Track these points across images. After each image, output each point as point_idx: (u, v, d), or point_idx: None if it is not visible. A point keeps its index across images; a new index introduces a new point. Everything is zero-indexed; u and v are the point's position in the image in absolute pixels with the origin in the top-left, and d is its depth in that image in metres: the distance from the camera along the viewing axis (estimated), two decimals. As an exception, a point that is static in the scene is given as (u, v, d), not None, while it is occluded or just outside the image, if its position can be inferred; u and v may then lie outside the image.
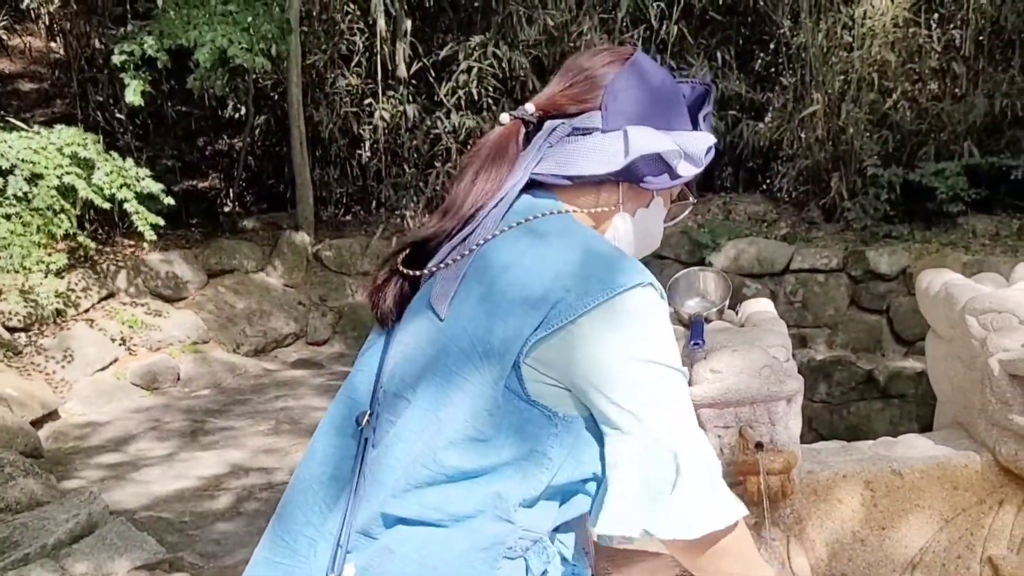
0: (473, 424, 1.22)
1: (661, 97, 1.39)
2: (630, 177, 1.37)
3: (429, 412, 1.24)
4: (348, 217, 10.49)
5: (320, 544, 1.28)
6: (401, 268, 1.35)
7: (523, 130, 1.39)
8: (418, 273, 1.33)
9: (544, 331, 1.21)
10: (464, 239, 1.31)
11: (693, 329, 2.39)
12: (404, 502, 1.23)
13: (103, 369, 7.10)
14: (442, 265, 1.30)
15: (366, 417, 1.30)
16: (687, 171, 1.40)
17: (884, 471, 2.61)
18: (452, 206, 1.34)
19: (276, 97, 10.56)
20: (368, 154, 10.16)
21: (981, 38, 8.49)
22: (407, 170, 10.04)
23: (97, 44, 10.07)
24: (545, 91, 1.43)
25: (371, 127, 10.00)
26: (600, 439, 1.27)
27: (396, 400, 1.29)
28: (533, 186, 1.37)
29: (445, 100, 9.63)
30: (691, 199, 1.54)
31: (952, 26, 8.73)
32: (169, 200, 7.10)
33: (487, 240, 1.29)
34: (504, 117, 1.40)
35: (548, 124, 1.38)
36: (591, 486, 1.30)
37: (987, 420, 2.62)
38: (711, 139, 1.43)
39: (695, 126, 1.44)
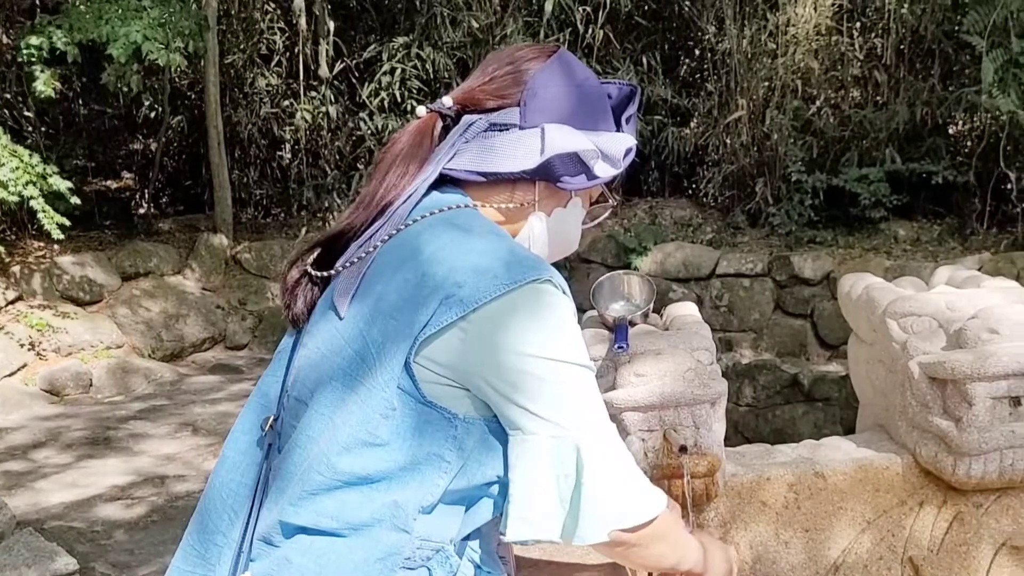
0: (367, 428, 1.18)
1: (583, 96, 1.36)
2: (546, 176, 1.33)
3: (325, 417, 1.21)
4: (268, 220, 10.38)
5: (227, 552, 1.28)
6: (309, 269, 1.32)
7: (439, 124, 1.35)
8: (328, 273, 1.30)
9: (433, 327, 1.16)
10: (371, 236, 1.28)
11: (617, 332, 2.36)
12: (301, 510, 1.20)
13: (11, 375, 6.93)
14: (347, 264, 1.28)
15: (270, 422, 1.30)
16: (605, 172, 1.37)
17: (807, 473, 2.61)
18: (362, 202, 1.32)
19: (193, 96, 10.39)
20: (289, 156, 10.04)
21: (902, 47, 8.69)
22: (329, 172, 9.94)
23: (4, 39, 9.72)
24: (464, 85, 1.39)
25: (292, 128, 9.89)
26: (505, 440, 1.23)
27: (299, 405, 1.27)
28: (445, 182, 1.33)
29: (368, 101, 9.54)
30: (611, 201, 1.50)
31: (874, 35, 8.93)
32: (75, 200, 6.93)
33: (391, 236, 1.27)
34: (421, 110, 1.37)
35: (465, 119, 1.34)
36: (496, 489, 1.26)
37: (908, 422, 2.65)
38: (630, 140, 1.40)
39: (618, 128, 1.41)
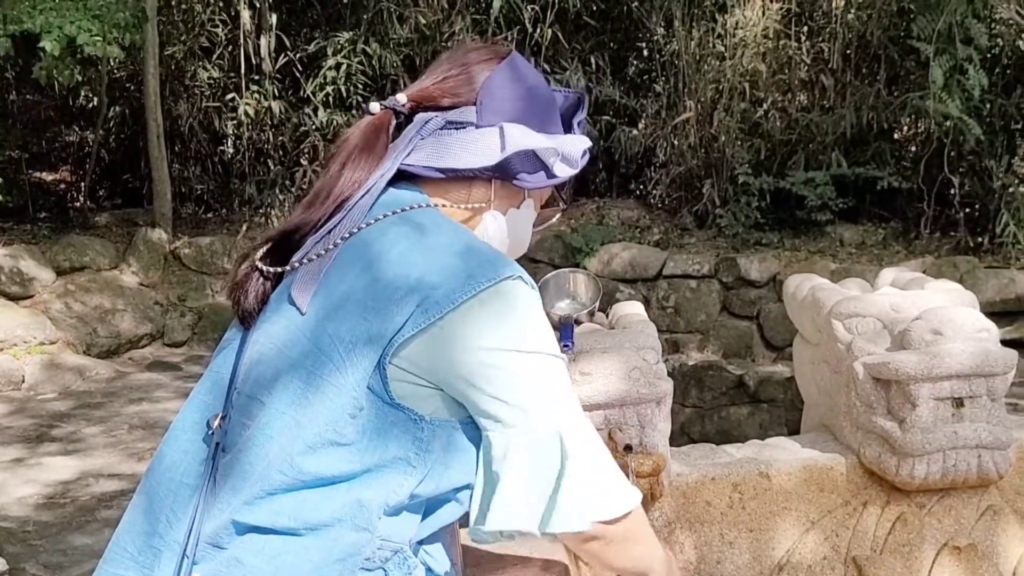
0: (333, 427, 1.17)
1: (536, 98, 1.38)
2: (504, 174, 1.34)
3: (286, 415, 1.19)
4: (209, 215, 10.24)
5: (165, 555, 1.22)
6: (260, 265, 1.29)
7: (393, 121, 1.35)
8: (281, 270, 1.28)
9: (412, 329, 1.16)
10: (330, 231, 1.27)
11: (563, 331, 2.34)
12: (257, 509, 1.17)
13: (-62, 371, 6.76)
14: (305, 260, 1.25)
15: (217, 420, 1.25)
16: (563, 172, 1.39)
17: (752, 474, 2.63)
18: (317, 197, 1.30)
19: (132, 88, 10.24)
20: (231, 150, 9.90)
21: (849, 52, 8.80)
22: (272, 167, 9.84)
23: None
24: (417, 83, 1.39)
25: (234, 122, 9.76)
26: (476, 443, 1.24)
27: (250, 402, 1.23)
28: (401, 179, 1.33)
29: (312, 96, 9.43)
30: (561, 204, 1.52)
31: (821, 39, 9.03)
32: (7, 198, 6.74)
33: (353, 233, 1.25)
34: (374, 106, 1.36)
35: (420, 116, 1.35)
36: (463, 495, 1.26)
37: (852, 423, 2.67)
38: (587, 142, 1.42)
39: (568, 131, 1.43)
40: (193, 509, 1.22)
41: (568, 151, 1.38)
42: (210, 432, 1.25)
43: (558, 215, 1.54)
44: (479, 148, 1.32)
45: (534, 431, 1.19)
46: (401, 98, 1.35)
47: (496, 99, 1.34)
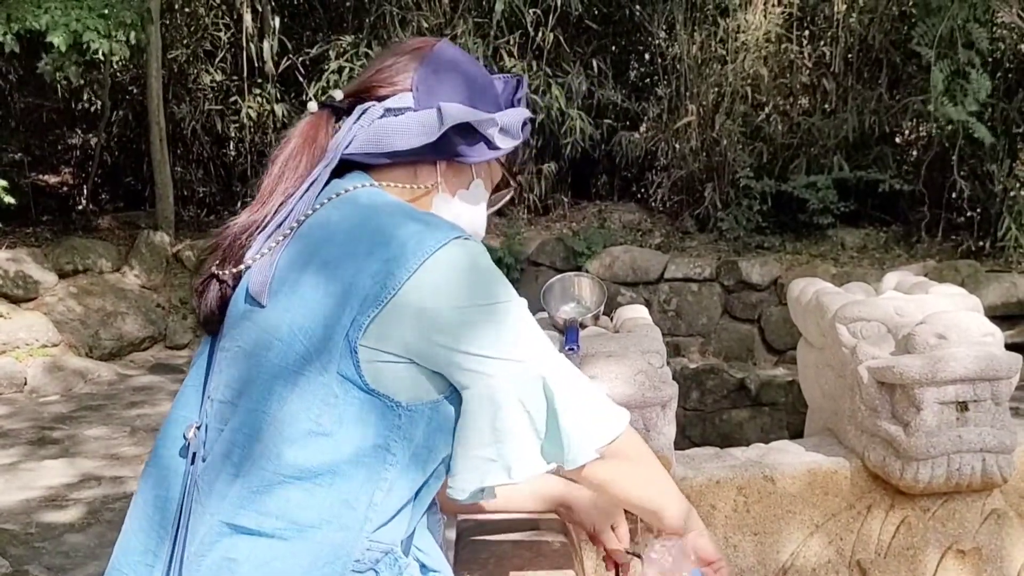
0: (310, 416, 1.17)
1: (473, 81, 1.38)
2: (446, 153, 1.34)
3: (260, 412, 1.19)
4: (211, 218, 10.23)
5: (157, 568, 1.23)
6: (215, 271, 1.29)
7: (332, 119, 1.37)
8: (236, 270, 1.28)
9: (374, 308, 1.16)
10: (278, 225, 1.28)
11: (568, 334, 2.35)
12: (243, 512, 1.17)
13: (-59, 374, 6.76)
14: (258, 255, 1.26)
15: (192, 430, 1.26)
16: (505, 143, 1.38)
17: (757, 477, 2.63)
18: (261, 197, 1.32)
19: (135, 91, 10.23)
20: (233, 153, 9.89)
21: (850, 56, 8.79)
22: (274, 170, 9.77)
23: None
24: (354, 80, 1.43)
25: (237, 125, 9.75)
26: (453, 425, 1.24)
27: (224, 407, 1.24)
28: (347, 169, 1.34)
29: (315, 99, 9.39)
30: (513, 184, 1.52)
31: (822, 43, 9.03)
32: (10, 199, 6.73)
33: (300, 223, 1.27)
34: (312, 105, 1.37)
35: (359, 107, 1.35)
36: (443, 467, 1.28)
37: (856, 427, 2.67)
38: (526, 112, 1.42)
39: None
40: (176, 523, 1.22)
41: (507, 122, 1.37)
42: (186, 444, 1.25)
43: (510, 195, 1.53)
44: (417, 128, 1.31)
45: (517, 377, 1.21)
46: (337, 94, 1.38)
47: (432, 83, 1.34)
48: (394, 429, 1.19)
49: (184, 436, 1.26)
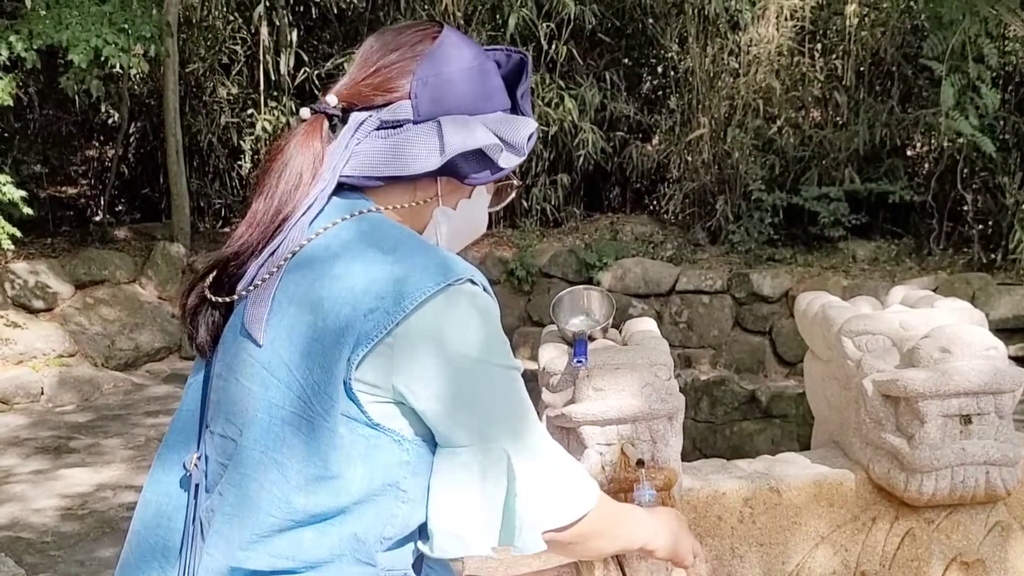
0: (315, 461, 1.12)
1: (474, 76, 1.28)
2: (450, 173, 1.26)
3: (263, 454, 1.13)
4: (227, 229, 10.28)
5: None
6: (209, 295, 1.23)
7: (326, 125, 1.26)
8: (229, 299, 1.21)
9: (364, 347, 1.11)
10: (272, 253, 1.19)
11: (577, 347, 2.36)
12: (253, 554, 1.13)
13: (-42, 384, 6.77)
14: (251, 287, 1.18)
15: (193, 460, 1.21)
16: (509, 162, 1.30)
17: (762, 488, 2.62)
18: (255, 218, 1.22)
19: (152, 104, 10.29)
20: (249, 165, 9.95)
21: (862, 69, 8.82)
22: (290, 183, 9.83)
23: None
24: (348, 78, 1.30)
25: (252, 138, 9.80)
26: None
27: (224, 442, 1.18)
28: (343, 188, 1.25)
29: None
30: (515, 182, 1.43)
31: (834, 56, 9.05)
32: (28, 211, 6.78)
33: (295, 253, 1.18)
34: (305, 112, 1.28)
35: (354, 118, 1.25)
36: None
37: (861, 439, 2.67)
38: (532, 124, 1.33)
39: (514, 103, 1.34)
40: (184, 558, 1.19)
41: (513, 139, 1.29)
42: (187, 474, 1.21)
43: (512, 195, 1.45)
44: (419, 151, 1.23)
45: (482, 453, 1.15)
46: (331, 99, 1.27)
47: (431, 88, 1.25)
48: (403, 465, 1.15)
49: (184, 466, 1.22)
